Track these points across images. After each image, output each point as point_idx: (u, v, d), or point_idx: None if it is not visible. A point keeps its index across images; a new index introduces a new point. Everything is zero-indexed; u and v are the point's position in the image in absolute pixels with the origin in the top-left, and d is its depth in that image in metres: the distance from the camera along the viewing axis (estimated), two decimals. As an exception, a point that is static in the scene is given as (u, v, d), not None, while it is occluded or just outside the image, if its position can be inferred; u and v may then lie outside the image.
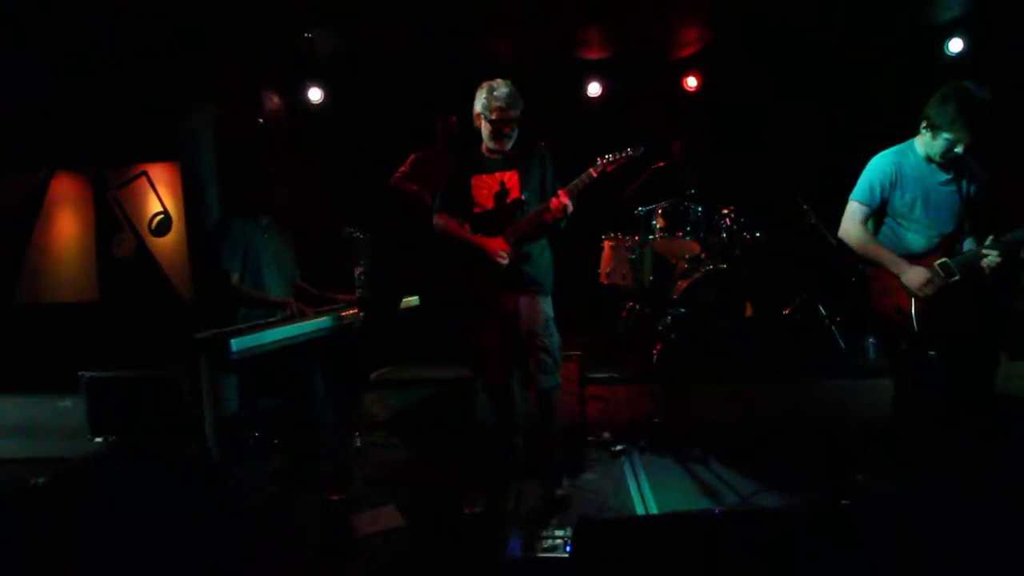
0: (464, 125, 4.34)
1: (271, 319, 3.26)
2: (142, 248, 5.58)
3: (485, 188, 2.96)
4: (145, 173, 5.53)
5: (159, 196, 5.54)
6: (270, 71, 4.67)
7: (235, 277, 3.28)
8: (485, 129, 2.92)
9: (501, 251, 2.87)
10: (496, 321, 2.96)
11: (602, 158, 2.87)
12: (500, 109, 2.83)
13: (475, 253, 2.91)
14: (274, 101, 4.70)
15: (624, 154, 2.86)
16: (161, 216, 5.54)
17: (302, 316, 3.28)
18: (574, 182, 2.86)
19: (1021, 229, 2.52)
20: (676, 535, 1.78)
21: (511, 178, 2.95)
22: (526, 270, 2.94)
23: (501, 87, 2.86)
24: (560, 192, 2.81)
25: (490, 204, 2.95)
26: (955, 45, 4.73)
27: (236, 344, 2.81)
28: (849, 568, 1.65)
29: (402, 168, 4.44)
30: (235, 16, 3.88)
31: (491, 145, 2.95)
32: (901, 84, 4.66)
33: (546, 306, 3.00)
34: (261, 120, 4.49)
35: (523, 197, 2.92)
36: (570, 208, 2.81)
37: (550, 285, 3.05)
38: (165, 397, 4.06)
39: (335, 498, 2.69)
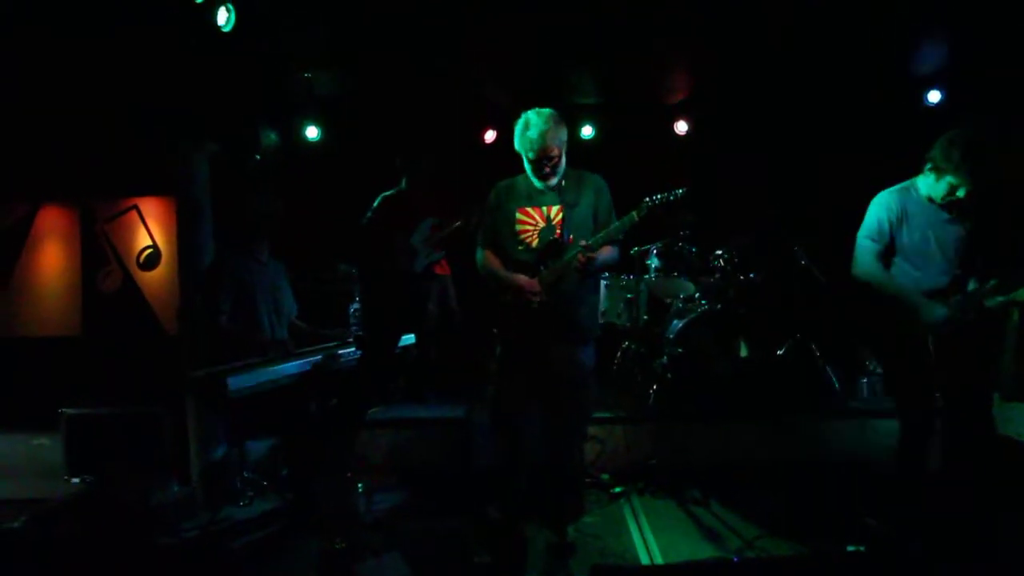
0: (442, 162, 4.38)
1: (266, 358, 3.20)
2: (129, 282, 5.48)
3: (531, 223, 2.84)
4: (136, 207, 5.48)
5: (149, 230, 5.48)
6: (268, 109, 4.70)
7: (223, 318, 3.22)
8: (527, 166, 2.80)
9: (533, 292, 2.73)
10: (528, 366, 2.81)
11: (650, 198, 2.74)
12: (534, 149, 2.70)
13: (510, 292, 2.79)
14: (271, 139, 4.72)
15: (673, 195, 2.72)
16: (150, 250, 5.47)
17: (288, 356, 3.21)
18: (615, 225, 2.74)
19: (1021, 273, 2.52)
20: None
21: (557, 214, 2.80)
22: (564, 315, 2.77)
23: (533, 126, 2.69)
24: (589, 250, 2.67)
25: (534, 241, 2.83)
26: (933, 96, 4.95)
27: (234, 383, 2.74)
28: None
29: (371, 212, 4.36)
30: (235, 56, 3.92)
31: (535, 181, 2.82)
32: (883, 131, 4.91)
33: (586, 357, 2.85)
34: (259, 157, 4.49)
35: (565, 236, 2.76)
36: (596, 261, 2.69)
37: (591, 332, 2.90)
38: (146, 435, 3.95)
39: (336, 546, 2.60)
